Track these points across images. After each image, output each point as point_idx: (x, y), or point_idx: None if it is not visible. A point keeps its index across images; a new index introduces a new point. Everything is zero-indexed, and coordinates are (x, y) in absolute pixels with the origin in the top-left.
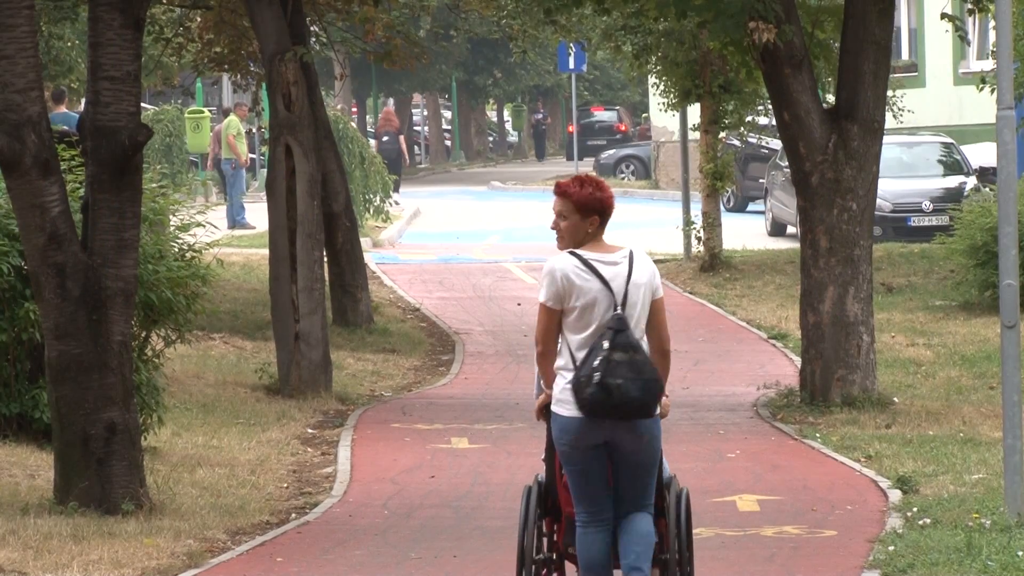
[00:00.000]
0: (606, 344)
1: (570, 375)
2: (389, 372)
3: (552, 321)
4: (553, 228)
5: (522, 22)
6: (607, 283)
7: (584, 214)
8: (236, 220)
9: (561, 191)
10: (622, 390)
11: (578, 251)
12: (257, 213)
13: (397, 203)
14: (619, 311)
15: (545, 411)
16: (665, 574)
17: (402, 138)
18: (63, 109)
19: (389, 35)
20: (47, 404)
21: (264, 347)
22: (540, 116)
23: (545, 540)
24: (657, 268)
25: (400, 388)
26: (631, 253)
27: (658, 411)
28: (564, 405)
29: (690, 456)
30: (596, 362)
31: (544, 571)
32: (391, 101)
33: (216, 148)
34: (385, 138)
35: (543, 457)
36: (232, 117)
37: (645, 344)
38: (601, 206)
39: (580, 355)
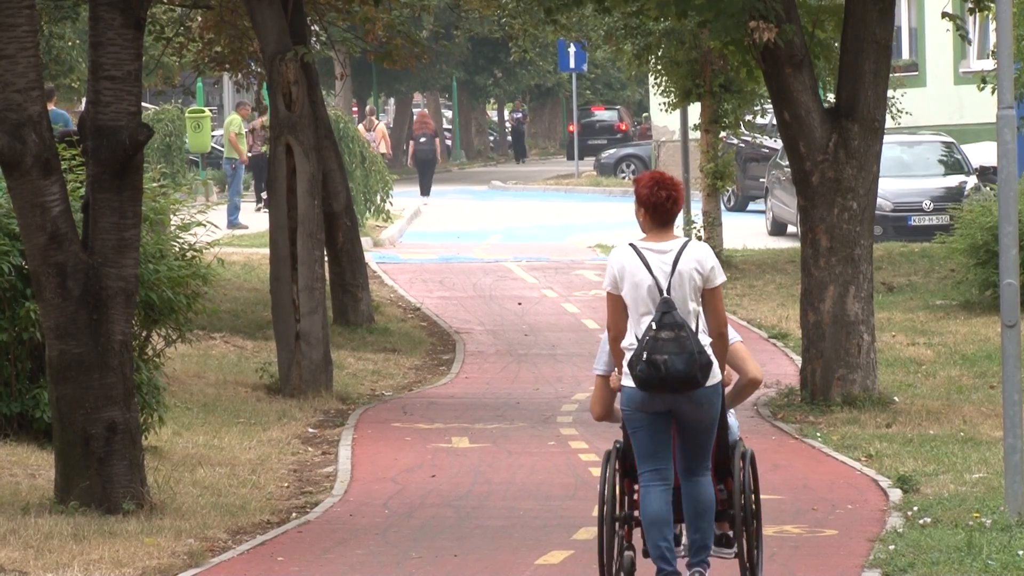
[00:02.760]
0: (653, 324)
1: (631, 353)
2: (390, 371)
3: (615, 306)
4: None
5: (523, 21)
6: (651, 269)
7: (641, 206)
8: (229, 220)
9: (635, 182)
10: (668, 365)
11: (635, 242)
12: (256, 213)
13: (426, 204)
14: (665, 294)
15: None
16: (733, 528)
17: (438, 140)
18: (51, 107)
19: (389, 35)
20: (48, 403)
21: (265, 346)
22: (519, 116)
23: (626, 499)
24: (716, 260)
25: (401, 387)
26: (684, 244)
27: (712, 381)
28: (628, 378)
29: None
30: (644, 340)
31: (625, 528)
32: (392, 101)
33: (254, 144)
34: (422, 139)
35: (620, 425)
36: (235, 115)
37: (702, 327)
38: (653, 204)
39: (639, 333)
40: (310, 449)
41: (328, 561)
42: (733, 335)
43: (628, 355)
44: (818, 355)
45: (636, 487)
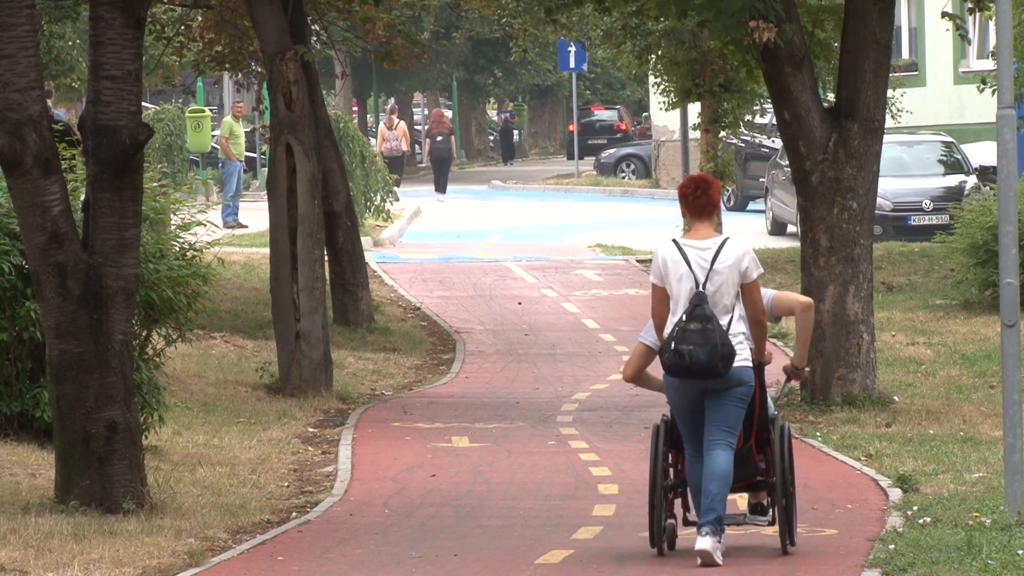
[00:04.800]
0: (684, 316)
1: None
2: (390, 371)
3: (659, 296)
4: None
5: (523, 21)
6: (691, 265)
7: (681, 204)
8: (223, 219)
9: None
10: (692, 355)
11: (678, 238)
12: (256, 212)
13: (441, 200)
14: (700, 289)
15: None
16: (772, 495)
17: (453, 139)
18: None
19: (389, 34)
20: (48, 403)
21: (265, 346)
22: (507, 116)
23: (671, 470)
24: (752, 256)
25: (401, 387)
26: (723, 241)
27: (737, 364)
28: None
29: None
30: (674, 330)
31: (671, 495)
32: (392, 100)
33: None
34: (439, 138)
35: (667, 400)
36: (226, 119)
37: (740, 315)
38: (685, 201)
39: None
40: (310, 448)
41: (328, 560)
42: (765, 292)
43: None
44: (818, 355)
45: (680, 458)
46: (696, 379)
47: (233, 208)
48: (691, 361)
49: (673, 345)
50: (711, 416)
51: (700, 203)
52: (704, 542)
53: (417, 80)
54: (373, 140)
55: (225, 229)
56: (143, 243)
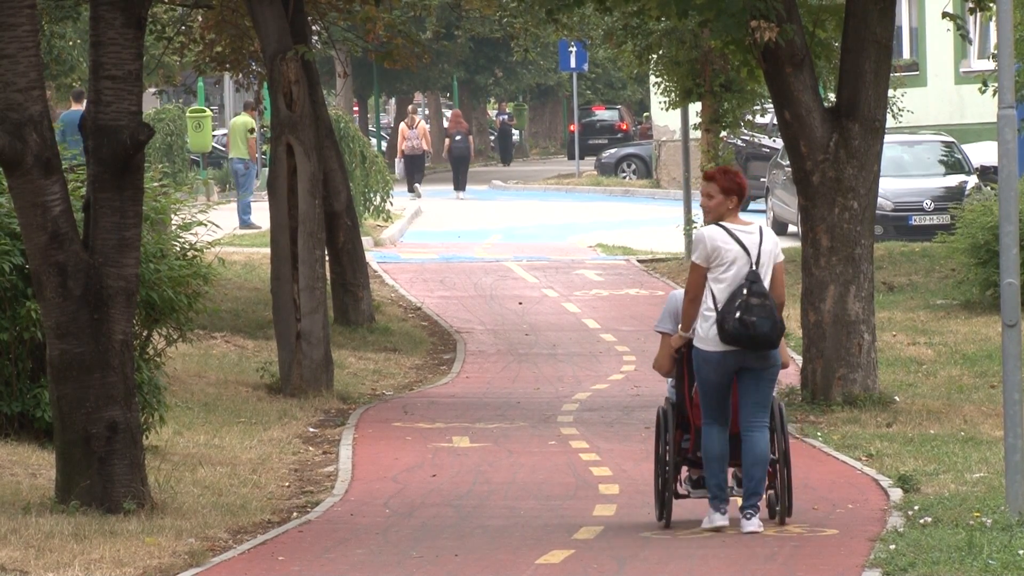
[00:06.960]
0: (745, 291)
1: (712, 316)
2: (390, 371)
3: (701, 276)
4: (702, 206)
5: (524, 21)
6: (745, 247)
7: (727, 195)
8: (242, 220)
9: (710, 177)
10: (756, 325)
11: (722, 223)
12: (257, 212)
13: (461, 198)
14: (755, 268)
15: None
16: (771, 467)
17: (471, 138)
18: (79, 107)
19: (390, 34)
20: (49, 403)
21: (265, 346)
22: (504, 117)
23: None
24: (779, 244)
25: (401, 387)
26: (760, 227)
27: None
28: (707, 342)
29: None
30: (737, 303)
31: (675, 474)
32: (392, 100)
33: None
34: (458, 137)
35: (671, 384)
36: (245, 117)
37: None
38: (739, 189)
39: (722, 300)
40: (311, 448)
41: (329, 560)
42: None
43: (707, 319)
44: (819, 355)
45: (685, 436)
46: (752, 349)
47: (244, 206)
48: (755, 331)
49: (739, 315)
50: (752, 397)
51: (746, 190)
52: (751, 525)
53: (418, 80)
54: (374, 140)
55: (253, 228)
56: (144, 243)
